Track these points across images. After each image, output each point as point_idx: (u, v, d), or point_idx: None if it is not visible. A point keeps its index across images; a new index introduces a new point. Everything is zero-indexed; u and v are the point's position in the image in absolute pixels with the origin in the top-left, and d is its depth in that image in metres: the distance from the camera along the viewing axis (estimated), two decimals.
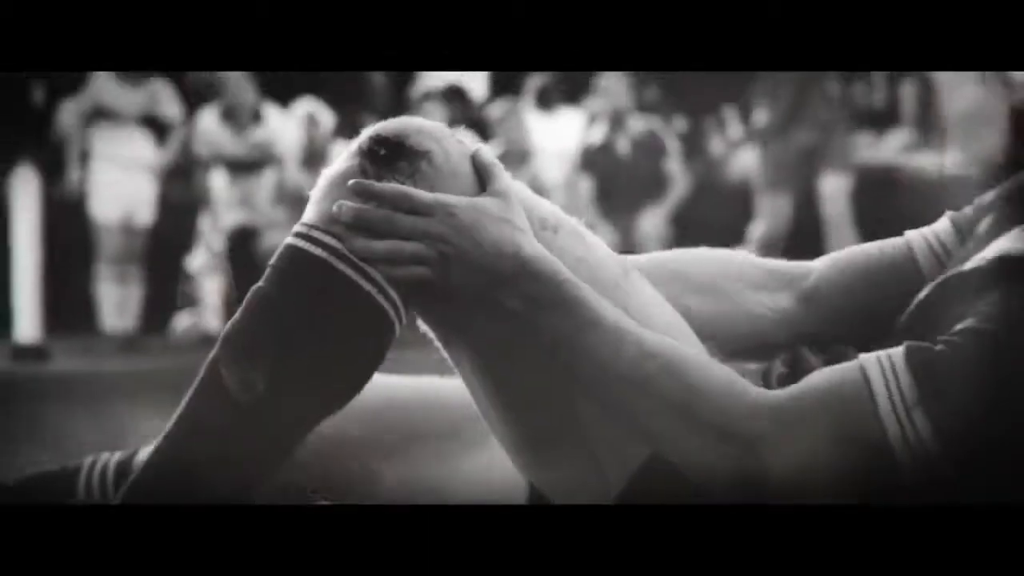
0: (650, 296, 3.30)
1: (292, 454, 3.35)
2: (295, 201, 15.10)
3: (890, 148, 15.60)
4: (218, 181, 15.51)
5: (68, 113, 15.55)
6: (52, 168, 15.17)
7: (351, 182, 3.16)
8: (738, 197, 15.09)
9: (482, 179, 3.20)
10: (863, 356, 3.15)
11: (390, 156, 3.17)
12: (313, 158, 15.49)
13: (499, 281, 3.15)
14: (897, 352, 3.11)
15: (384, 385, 3.70)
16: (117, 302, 15.29)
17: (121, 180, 15.29)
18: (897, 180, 15.01)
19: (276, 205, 15.42)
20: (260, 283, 3.23)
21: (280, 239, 3.34)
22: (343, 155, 3.22)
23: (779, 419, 3.12)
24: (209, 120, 15.68)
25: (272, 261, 3.23)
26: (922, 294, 3.38)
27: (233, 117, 15.68)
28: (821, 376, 3.16)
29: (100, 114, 15.41)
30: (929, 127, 16.09)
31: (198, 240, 15.37)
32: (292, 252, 3.20)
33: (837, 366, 3.19)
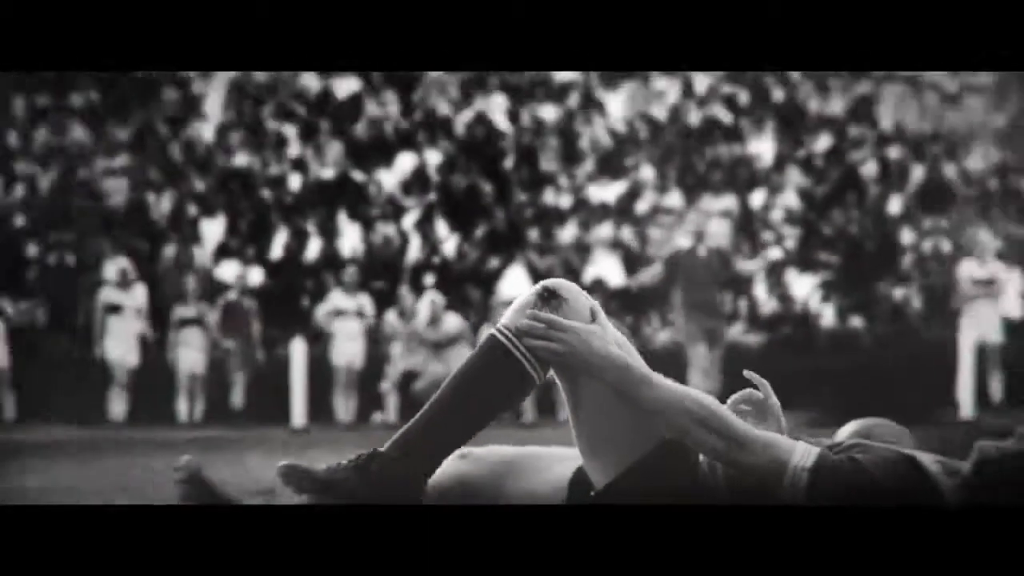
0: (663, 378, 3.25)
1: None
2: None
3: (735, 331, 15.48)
4: (396, 349, 14.73)
5: (322, 311, 15.05)
6: (314, 338, 14.79)
7: (529, 312, 3.20)
8: (664, 357, 14.87)
9: (593, 316, 3.23)
10: (803, 442, 3.14)
11: (548, 297, 3.22)
12: (434, 321, 14.56)
13: (598, 369, 3.16)
14: (817, 448, 3.11)
15: (505, 448, 3.50)
16: (344, 407, 14.74)
17: (346, 344, 14.81)
18: (740, 352, 14.77)
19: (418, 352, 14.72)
20: (473, 353, 3.28)
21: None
22: (529, 291, 3.28)
23: (754, 441, 3.08)
24: (392, 317, 14.97)
25: (481, 342, 3.25)
26: (851, 440, 3.31)
27: (403, 315, 14.89)
28: (780, 437, 3.14)
29: (336, 312, 14.86)
30: (753, 318, 15.71)
31: (385, 375, 14.62)
32: (493, 340, 3.23)
33: (790, 439, 3.16)
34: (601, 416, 3.23)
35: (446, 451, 3.24)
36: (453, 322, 14.76)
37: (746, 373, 3.50)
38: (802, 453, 3.09)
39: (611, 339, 3.21)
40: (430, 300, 14.81)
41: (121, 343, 14.57)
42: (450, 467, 3.33)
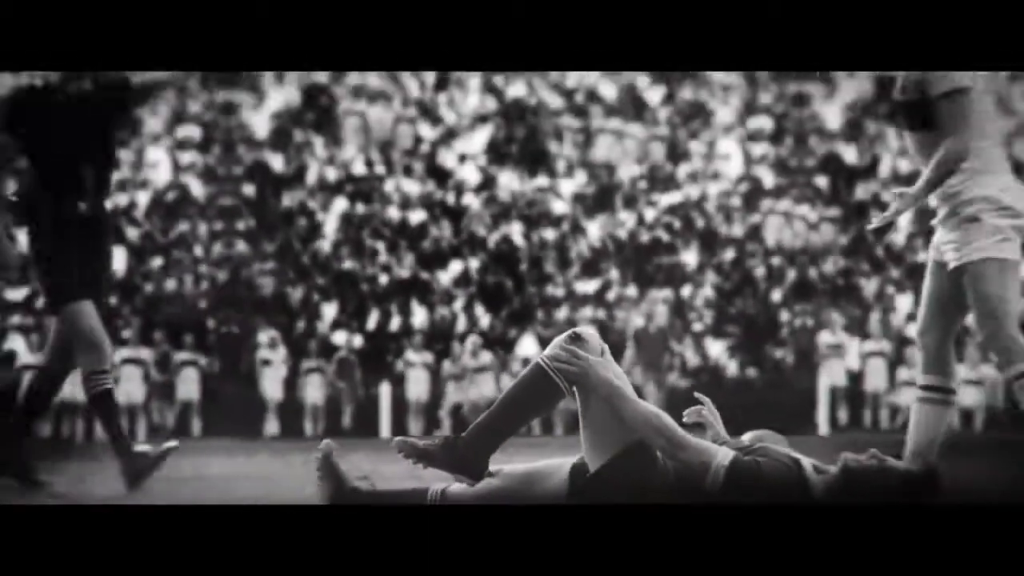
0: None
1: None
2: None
3: (672, 378, 15.14)
4: (449, 388, 14.48)
5: (400, 364, 14.82)
6: (395, 381, 14.65)
7: (559, 345, 3.08)
8: None
9: (602, 352, 3.10)
10: (725, 448, 2.99)
11: (575, 338, 3.10)
12: (475, 354, 14.38)
13: (598, 388, 3.02)
14: (733, 453, 2.98)
15: (521, 465, 3.24)
16: (415, 426, 14.29)
17: (416, 385, 14.55)
18: (675, 392, 14.02)
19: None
20: (522, 373, 3.11)
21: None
22: (564, 335, 3.12)
23: (691, 446, 2.95)
24: (446, 366, 14.67)
25: (530, 365, 3.10)
26: (756, 444, 3.07)
27: (454, 363, 14.63)
28: (711, 444, 3.02)
29: (409, 364, 14.78)
30: (683, 369, 15.42)
31: (442, 405, 14.52)
32: (537, 365, 3.10)
33: (716, 446, 3.01)
34: (599, 420, 3.10)
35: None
36: (486, 356, 14.69)
37: (696, 395, 3.36)
38: (723, 455, 2.94)
39: (611, 370, 3.10)
40: (471, 340, 14.79)
41: (271, 385, 14.68)
42: (486, 483, 3.15)
